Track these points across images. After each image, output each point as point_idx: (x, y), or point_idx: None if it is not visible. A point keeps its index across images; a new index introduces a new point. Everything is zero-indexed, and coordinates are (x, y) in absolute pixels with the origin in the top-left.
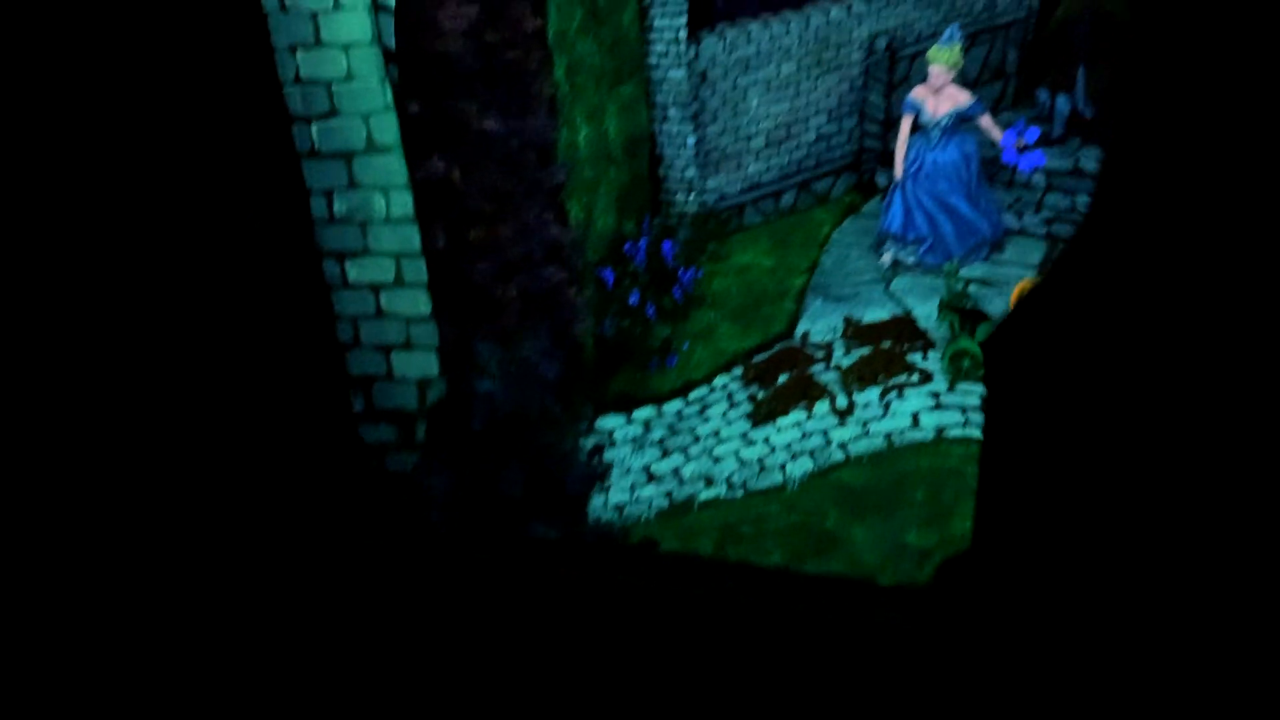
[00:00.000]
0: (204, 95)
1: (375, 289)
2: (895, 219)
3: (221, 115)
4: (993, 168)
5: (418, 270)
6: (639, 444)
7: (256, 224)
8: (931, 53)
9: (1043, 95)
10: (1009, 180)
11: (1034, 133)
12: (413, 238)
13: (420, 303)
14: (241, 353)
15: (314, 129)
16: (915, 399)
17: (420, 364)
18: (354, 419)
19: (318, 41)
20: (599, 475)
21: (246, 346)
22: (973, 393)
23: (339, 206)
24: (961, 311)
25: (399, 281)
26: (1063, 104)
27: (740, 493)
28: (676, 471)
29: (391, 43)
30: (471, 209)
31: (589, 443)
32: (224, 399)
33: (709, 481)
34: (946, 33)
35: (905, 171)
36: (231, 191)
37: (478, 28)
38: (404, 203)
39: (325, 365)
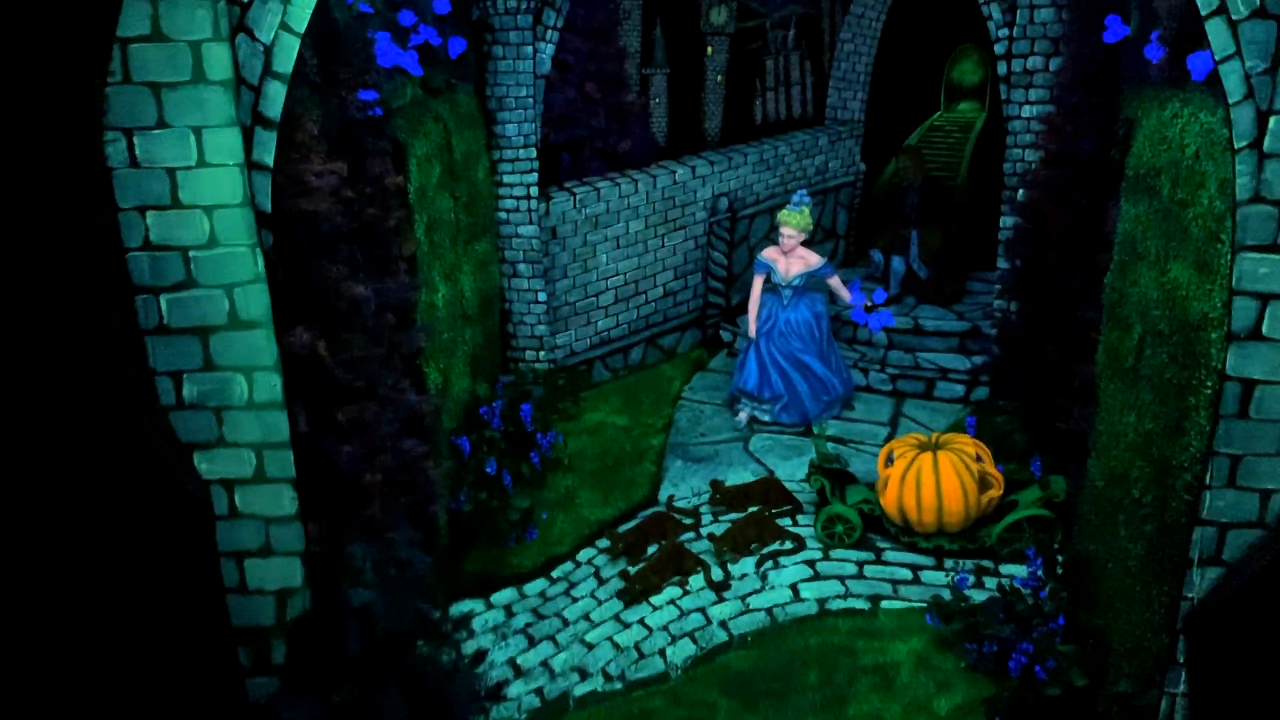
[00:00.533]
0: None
1: (229, 486)
2: (750, 377)
3: (38, 290)
4: (835, 325)
5: (283, 463)
6: (501, 633)
7: (80, 415)
8: (782, 216)
9: (876, 255)
10: (851, 338)
11: (881, 293)
12: (279, 425)
13: (285, 501)
14: (60, 568)
15: (163, 301)
16: (792, 569)
17: (280, 572)
18: (199, 639)
19: (175, 202)
20: (489, 693)
21: (64, 561)
22: (849, 560)
23: (190, 391)
24: (831, 474)
25: (260, 476)
26: (898, 264)
27: (619, 684)
28: (546, 663)
29: (267, 204)
30: (339, 384)
31: (470, 647)
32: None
33: (583, 674)
34: (795, 197)
35: (759, 330)
36: (49, 377)
37: (343, 185)
38: (271, 385)
39: (170, 582)
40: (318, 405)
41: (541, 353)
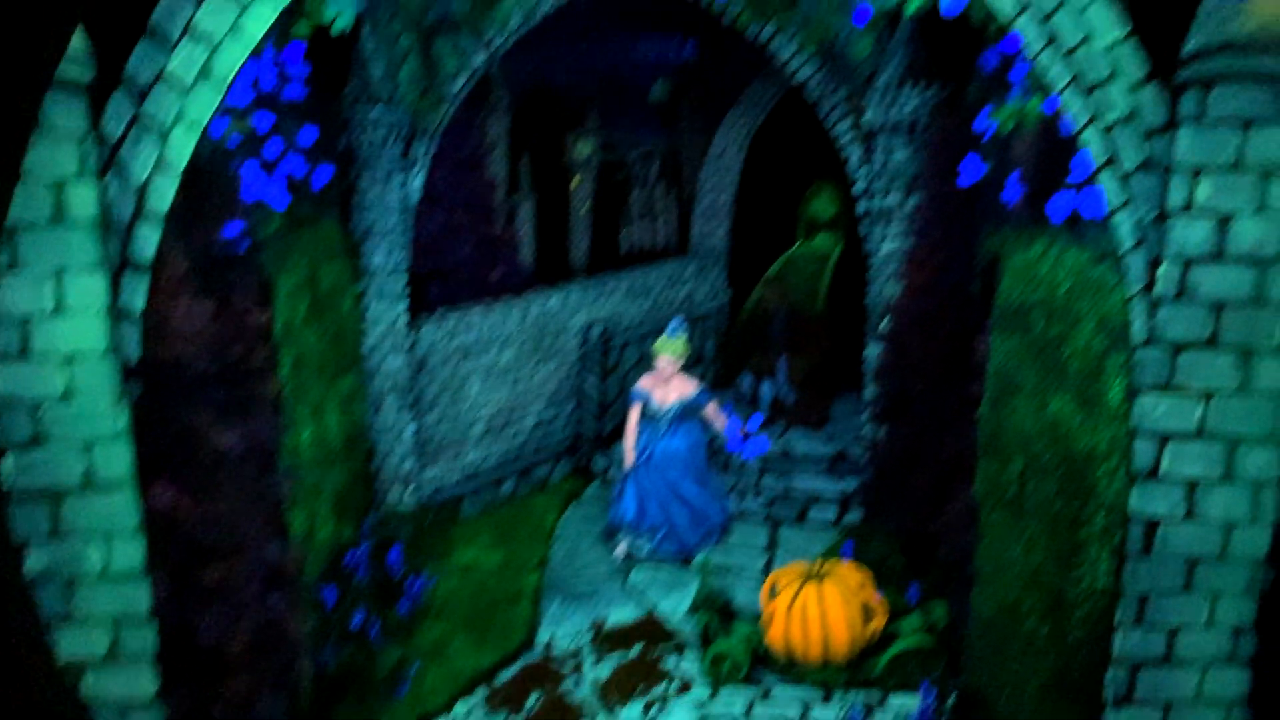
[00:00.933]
0: None
1: (79, 668)
2: (628, 509)
3: None
4: (709, 451)
5: (143, 639)
6: None
7: None
8: (658, 344)
9: (745, 381)
10: (725, 464)
11: (756, 420)
12: (139, 597)
13: (144, 682)
14: None
15: (6, 463)
16: (680, 712)
17: None
18: None
19: (23, 352)
20: None
21: None
22: (737, 699)
23: (35, 561)
24: (715, 610)
25: (114, 656)
26: (766, 389)
27: None
28: None
29: (134, 354)
30: (203, 544)
31: None
32: None
33: None
34: (672, 325)
35: (635, 461)
36: None
37: (210, 325)
38: (130, 553)
39: None
40: (179, 569)
41: (409, 490)
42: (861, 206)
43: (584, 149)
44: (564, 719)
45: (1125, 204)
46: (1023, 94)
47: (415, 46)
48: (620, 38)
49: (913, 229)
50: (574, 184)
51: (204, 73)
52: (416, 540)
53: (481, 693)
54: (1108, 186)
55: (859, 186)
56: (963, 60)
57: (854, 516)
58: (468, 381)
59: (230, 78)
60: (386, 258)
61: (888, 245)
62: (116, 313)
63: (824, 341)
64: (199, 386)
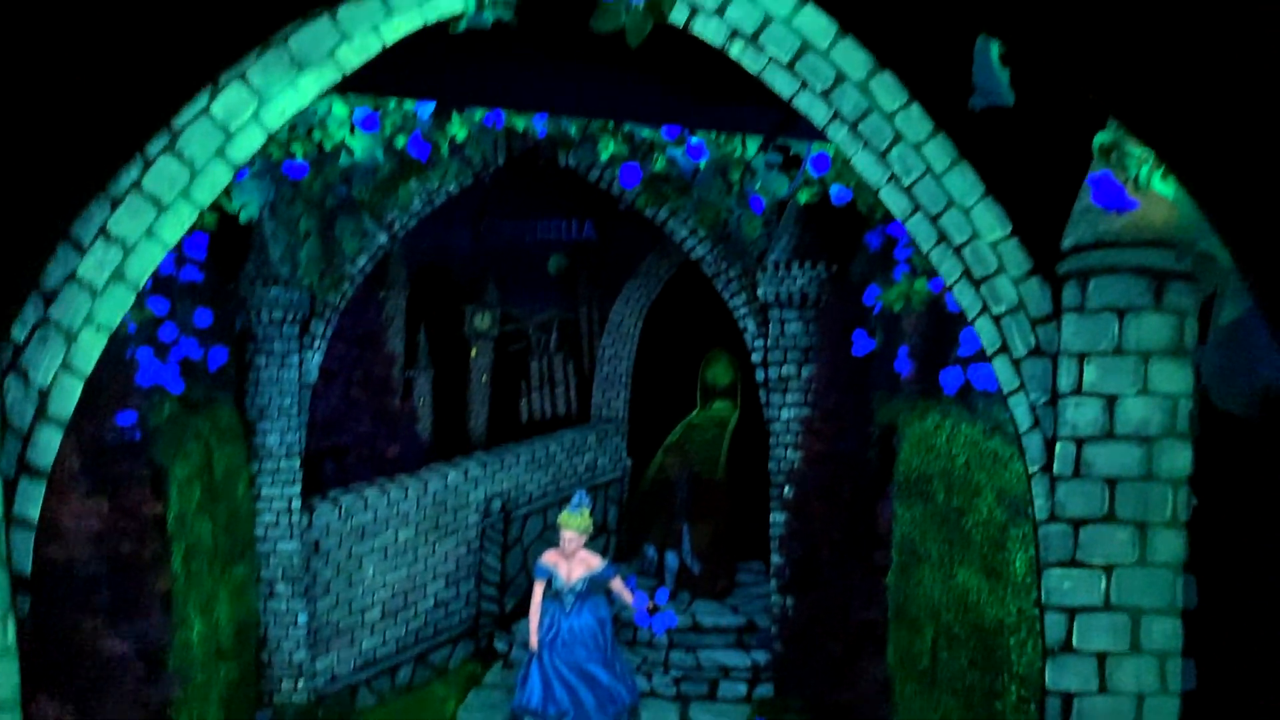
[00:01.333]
0: None
1: None
2: (533, 694)
3: None
4: (615, 627)
5: None
6: None
7: None
8: (562, 518)
9: (650, 551)
10: (631, 640)
11: (664, 593)
12: None
13: None
14: None
15: None
16: None
17: None
18: None
19: None
20: None
21: None
22: None
23: None
24: None
25: None
26: (671, 560)
27: None
28: None
29: (27, 565)
30: None
31: None
32: None
33: None
34: (575, 498)
35: (540, 641)
36: None
37: (101, 523)
38: None
39: None
40: None
41: (301, 681)
42: (759, 375)
43: (482, 321)
44: None
45: (1019, 388)
46: (909, 273)
47: (315, 228)
48: (520, 216)
49: (809, 397)
50: (473, 355)
51: (116, 276)
52: None
53: None
54: (1001, 372)
55: (756, 357)
56: (848, 239)
57: (764, 690)
58: (363, 563)
59: (143, 281)
60: (281, 439)
61: (786, 413)
62: (9, 522)
63: (726, 508)
64: (88, 590)
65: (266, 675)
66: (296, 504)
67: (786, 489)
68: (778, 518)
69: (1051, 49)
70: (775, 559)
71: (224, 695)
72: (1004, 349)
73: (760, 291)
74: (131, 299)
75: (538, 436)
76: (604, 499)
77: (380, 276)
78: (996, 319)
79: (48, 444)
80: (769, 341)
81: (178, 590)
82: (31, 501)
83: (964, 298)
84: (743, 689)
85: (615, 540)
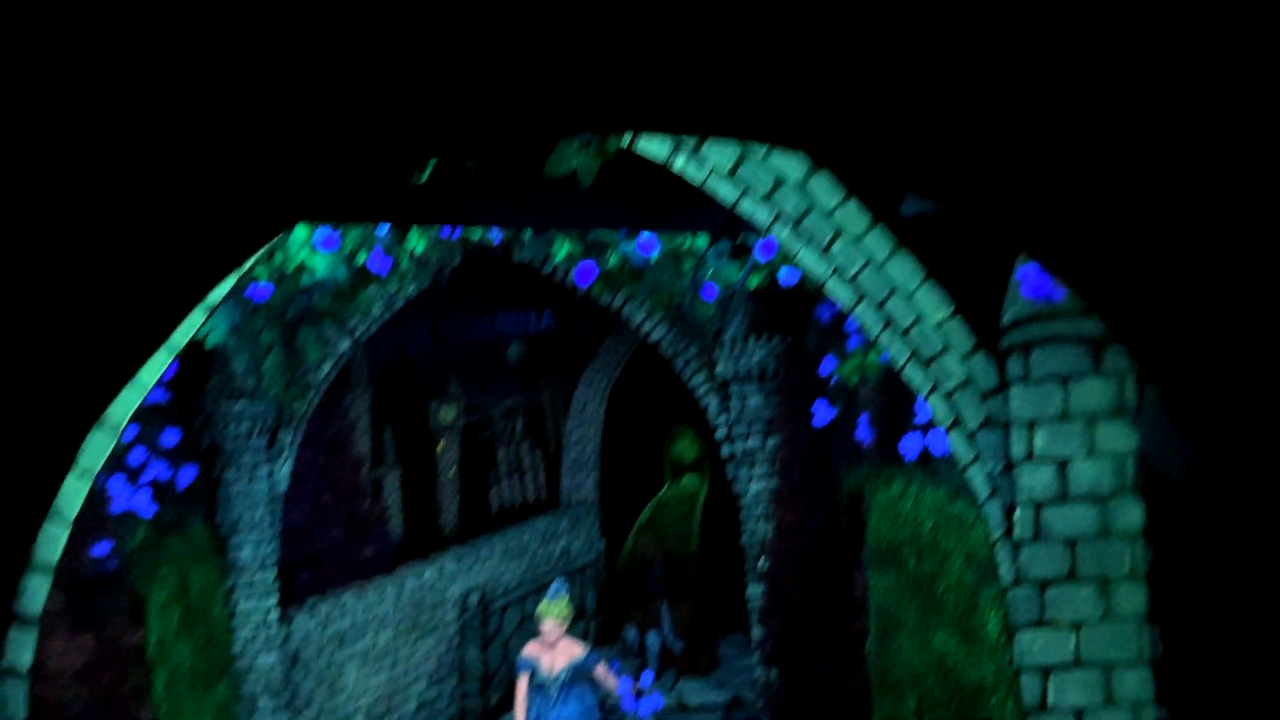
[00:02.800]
0: None
1: None
2: None
3: None
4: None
5: None
6: None
7: None
8: (541, 608)
9: (630, 633)
10: None
11: (648, 676)
12: None
13: None
14: None
15: None
16: None
17: None
18: None
19: None
20: None
21: None
22: None
23: None
24: None
25: None
26: (653, 640)
27: None
28: None
29: (21, 716)
30: None
31: None
32: None
33: None
34: (553, 586)
35: None
36: None
37: (84, 659)
38: None
39: None
40: None
41: None
42: (725, 450)
43: (447, 414)
44: None
45: (975, 459)
46: (860, 347)
47: (278, 340)
48: (477, 310)
49: (776, 469)
50: (440, 449)
51: (99, 423)
52: None
53: None
54: (957, 444)
55: (720, 433)
56: (800, 313)
57: None
58: (344, 670)
59: (124, 424)
60: (255, 551)
61: (754, 486)
62: (2, 675)
63: (703, 584)
64: None
65: None
66: (274, 615)
67: (761, 561)
68: (754, 590)
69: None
70: (756, 631)
71: None
72: (957, 423)
73: (719, 369)
74: (113, 443)
75: (510, 526)
76: (581, 583)
77: (343, 380)
78: (948, 395)
79: (36, 591)
80: (731, 417)
81: (162, 718)
82: (24, 651)
83: (914, 377)
84: None
85: (595, 623)
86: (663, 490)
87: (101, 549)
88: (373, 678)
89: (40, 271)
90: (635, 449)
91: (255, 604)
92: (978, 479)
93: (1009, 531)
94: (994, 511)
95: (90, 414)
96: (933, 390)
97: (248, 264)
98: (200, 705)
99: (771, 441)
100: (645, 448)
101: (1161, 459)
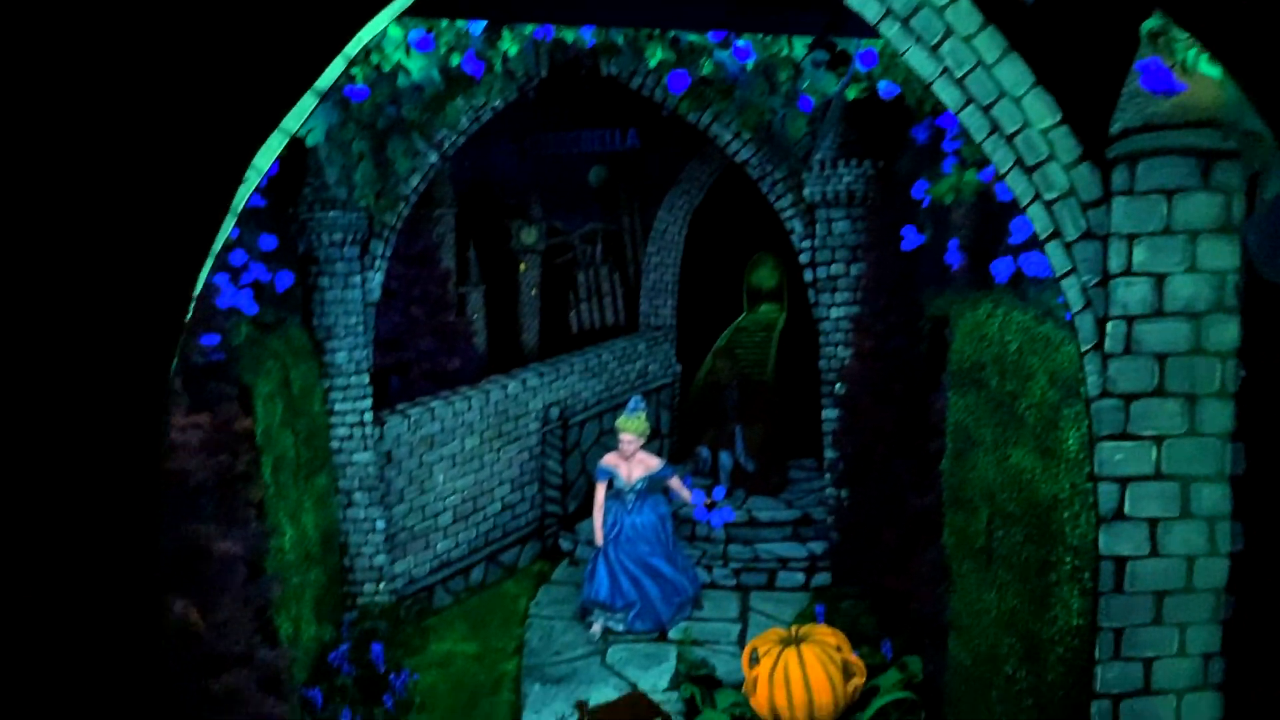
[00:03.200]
0: None
1: None
2: (601, 587)
3: None
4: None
5: None
6: None
7: None
8: (620, 421)
9: (704, 452)
10: (690, 535)
11: (721, 490)
12: None
13: None
14: None
15: None
16: None
17: None
18: None
19: None
20: None
21: None
22: None
23: None
24: (699, 680)
25: None
26: (725, 459)
27: None
28: None
29: None
30: (211, 654)
31: None
32: None
33: None
34: (632, 402)
35: (605, 538)
36: None
37: (201, 436)
38: None
39: None
40: (192, 679)
41: (381, 584)
42: (808, 276)
43: (529, 235)
44: None
45: (1071, 271)
46: (958, 165)
47: (368, 151)
48: (561, 129)
49: (858, 295)
50: (521, 270)
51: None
52: (393, 635)
53: None
54: (1054, 256)
55: (804, 257)
56: (894, 135)
57: (821, 579)
58: (433, 471)
59: (241, 208)
60: (349, 355)
61: (835, 312)
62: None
63: (776, 409)
64: (197, 498)
65: (349, 579)
66: (368, 418)
67: (838, 386)
68: (830, 414)
69: None
70: (829, 454)
71: (315, 597)
72: (1056, 234)
73: (806, 192)
74: (232, 225)
75: (589, 347)
76: (656, 404)
77: (430, 197)
78: (1049, 205)
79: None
80: (816, 241)
81: (269, 499)
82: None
83: (1017, 186)
84: (801, 578)
85: (669, 443)
86: (740, 317)
87: (210, 339)
88: (459, 480)
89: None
90: (714, 275)
91: (351, 405)
92: (1072, 291)
93: (1099, 344)
94: (1086, 324)
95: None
96: (1034, 200)
97: (353, 47)
98: (303, 493)
99: (856, 267)
100: (724, 274)
101: (1272, 266)
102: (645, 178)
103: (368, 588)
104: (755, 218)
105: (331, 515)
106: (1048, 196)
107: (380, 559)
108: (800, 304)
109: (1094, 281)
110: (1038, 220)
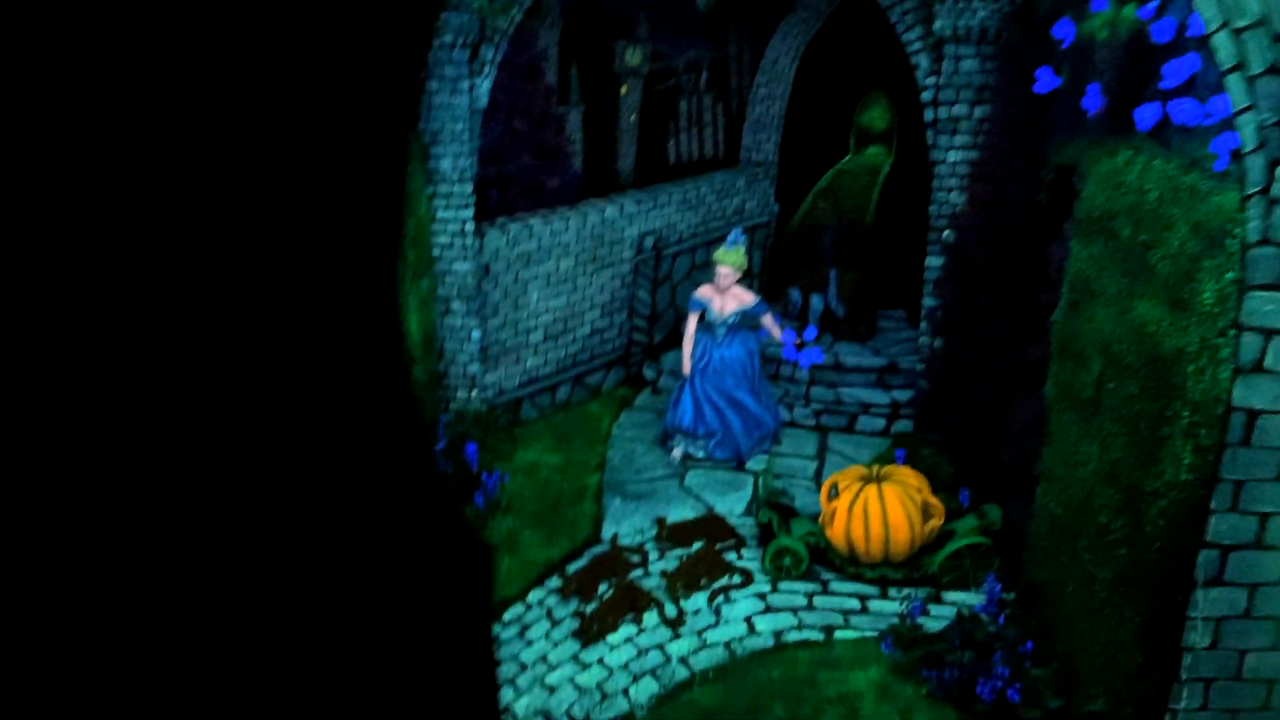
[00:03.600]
0: None
1: None
2: (685, 414)
3: None
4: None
5: None
6: None
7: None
8: (718, 254)
9: (794, 294)
10: (775, 374)
11: (812, 331)
12: None
13: None
14: None
15: None
16: (744, 602)
17: None
18: None
19: None
20: None
21: None
22: (797, 592)
23: None
24: (778, 508)
25: None
26: (816, 303)
27: None
28: (509, 708)
29: None
30: None
31: None
32: None
33: (548, 718)
34: (731, 235)
35: (693, 368)
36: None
37: None
38: None
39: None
40: None
41: (474, 392)
42: (928, 115)
43: (632, 57)
44: (634, 605)
45: (1249, 107)
46: (1115, 1)
47: None
48: None
49: (979, 139)
50: (622, 93)
51: None
52: (483, 440)
53: (553, 582)
54: (1234, 90)
55: (927, 95)
56: None
57: (902, 426)
58: (528, 288)
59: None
60: (454, 163)
61: (953, 155)
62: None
63: (873, 256)
64: None
65: (444, 384)
66: (470, 227)
67: (947, 233)
68: (934, 261)
69: None
70: (929, 301)
71: (416, 394)
72: (1240, 66)
73: (937, 25)
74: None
75: (688, 178)
76: (751, 242)
77: (537, 8)
78: (1236, 32)
79: None
80: (941, 79)
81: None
82: None
83: (1204, 9)
84: (881, 424)
85: (760, 283)
86: (845, 159)
87: None
88: (553, 300)
89: None
90: (822, 113)
91: (453, 214)
92: (1246, 129)
93: (1267, 188)
94: (1255, 166)
95: None
96: (1220, 28)
97: None
98: (408, 293)
99: (980, 110)
100: (833, 113)
101: None
102: (759, 4)
103: (460, 394)
104: (872, 55)
105: (430, 319)
106: (1237, 24)
107: (474, 368)
108: (906, 150)
109: (1272, 121)
110: (1222, 50)
